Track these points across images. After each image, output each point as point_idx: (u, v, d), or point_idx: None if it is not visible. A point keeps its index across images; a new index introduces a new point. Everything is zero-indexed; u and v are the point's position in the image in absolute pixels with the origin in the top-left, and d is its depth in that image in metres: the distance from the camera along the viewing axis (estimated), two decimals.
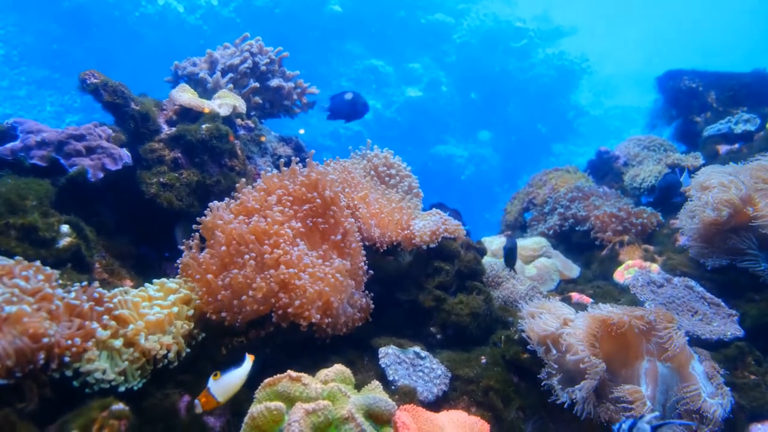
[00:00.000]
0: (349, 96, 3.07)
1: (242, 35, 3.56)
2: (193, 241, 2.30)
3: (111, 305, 1.90)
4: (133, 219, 2.70)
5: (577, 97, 18.51)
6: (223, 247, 2.15)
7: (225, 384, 1.73)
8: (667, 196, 3.04)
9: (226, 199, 2.43)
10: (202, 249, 2.29)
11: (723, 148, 4.23)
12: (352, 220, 2.52)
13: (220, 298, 2.09)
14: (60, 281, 1.87)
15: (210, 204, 2.35)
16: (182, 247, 2.30)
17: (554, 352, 2.07)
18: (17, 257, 1.81)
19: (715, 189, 2.83)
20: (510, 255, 2.79)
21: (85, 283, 1.93)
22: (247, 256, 2.11)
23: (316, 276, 2.13)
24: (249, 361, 1.79)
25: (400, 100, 16.75)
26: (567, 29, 20.25)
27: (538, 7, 21.25)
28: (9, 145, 2.41)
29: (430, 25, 17.40)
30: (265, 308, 2.10)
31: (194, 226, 2.33)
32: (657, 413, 1.85)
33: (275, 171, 2.56)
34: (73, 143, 2.48)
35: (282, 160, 2.67)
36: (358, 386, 1.83)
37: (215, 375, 1.73)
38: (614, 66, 23.84)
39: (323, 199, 2.41)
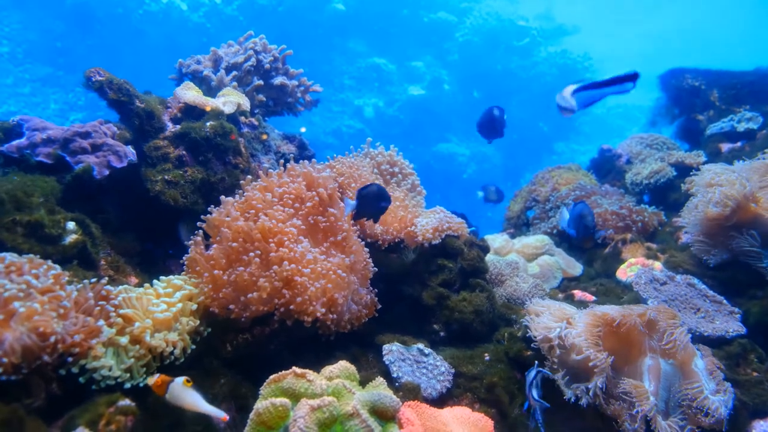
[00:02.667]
0: (496, 112, 2.83)
1: (246, 33, 3.57)
2: (199, 237, 2.31)
3: (117, 302, 1.91)
4: (137, 216, 2.71)
5: None
6: (233, 244, 2.16)
7: (184, 395, 1.64)
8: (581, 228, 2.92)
9: (237, 194, 2.43)
10: (206, 246, 2.30)
11: (726, 147, 4.23)
12: (352, 221, 2.53)
13: (222, 295, 2.10)
14: (66, 279, 1.88)
15: (222, 198, 2.36)
16: (189, 243, 2.31)
17: (557, 350, 2.09)
18: (29, 255, 1.83)
19: (718, 185, 2.84)
20: None
21: (94, 279, 1.94)
22: (252, 254, 2.12)
23: (319, 272, 2.14)
24: (221, 415, 1.65)
25: (402, 98, 16.75)
26: (569, 28, 20.22)
27: (540, 5, 21.23)
28: (15, 143, 2.43)
29: (432, 24, 17.40)
30: (269, 307, 2.11)
31: (198, 224, 2.34)
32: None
33: (274, 169, 2.57)
34: (79, 140, 2.49)
35: (288, 157, 2.68)
36: (363, 383, 1.84)
37: (188, 381, 1.65)
38: (617, 64, 23.65)
39: (321, 197, 2.42)
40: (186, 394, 1.64)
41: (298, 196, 2.41)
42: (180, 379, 1.64)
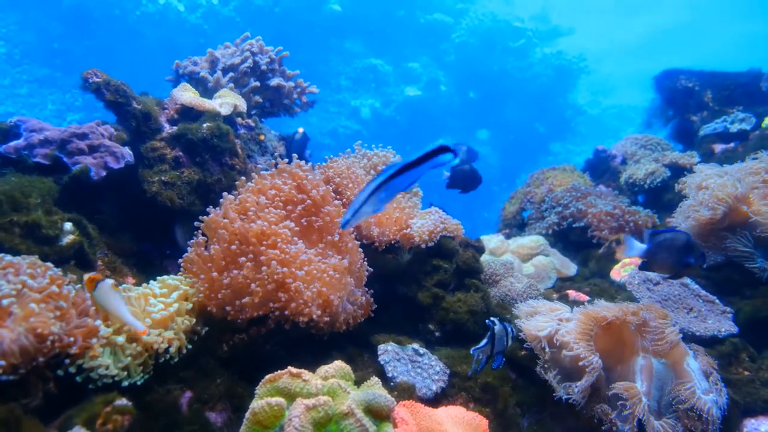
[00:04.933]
0: (466, 167, 3.02)
1: (243, 35, 3.58)
2: (201, 238, 2.32)
3: None
4: (134, 217, 2.72)
5: (575, 97, 18.55)
6: (233, 246, 2.17)
7: (109, 297, 1.72)
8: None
9: (233, 195, 2.43)
10: (205, 247, 2.31)
11: (719, 147, 4.26)
12: None
13: (221, 296, 2.11)
14: (63, 279, 1.89)
15: (224, 194, 2.36)
16: (189, 243, 2.32)
17: (549, 349, 2.10)
18: (27, 255, 1.84)
19: (710, 188, 2.87)
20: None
21: None
22: (243, 258, 2.13)
23: (313, 274, 2.15)
24: (140, 329, 1.77)
25: (399, 99, 16.78)
26: (565, 29, 20.31)
27: (536, 6, 21.29)
28: (12, 144, 2.43)
29: (428, 25, 17.43)
30: (265, 310, 2.12)
31: (196, 224, 2.35)
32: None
33: (267, 171, 2.58)
34: (76, 142, 2.50)
35: (278, 159, 2.69)
36: (358, 382, 1.85)
37: (116, 285, 1.75)
38: (612, 65, 23.85)
39: (313, 199, 2.44)
40: (111, 297, 1.72)
41: (290, 199, 2.43)
42: (109, 281, 1.73)
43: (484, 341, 2.00)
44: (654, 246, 2.41)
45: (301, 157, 3.12)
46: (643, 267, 2.51)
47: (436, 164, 1.42)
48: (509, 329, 2.06)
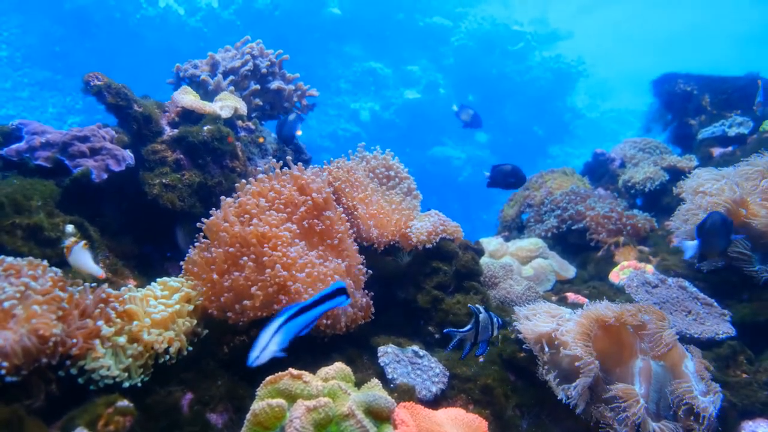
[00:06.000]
0: (507, 167, 3.17)
1: (243, 38, 3.60)
2: (200, 241, 2.33)
3: (117, 304, 1.93)
4: (136, 219, 2.73)
5: (574, 100, 18.57)
6: (231, 249, 2.18)
7: (78, 255, 1.93)
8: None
9: (233, 197, 2.44)
10: (207, 250, 2.32)
11: (717, 151, 4.28)
12: (347, 225, 2.55)
13: (224, 300, 2.12)
14: (65, 281, 1.90)
15: (222, 199, 2.38)
16: (191, 247, 2.33)
17: (548, 350, 2.11)
18: (29, 257, 1.86)
19: (709, 192, 2.88)
20: None
21: (95, 284, 1.96)
22: (245, 258, 2.15)
23: (314, 276, 2.16)
24: (98, 273, 1.95)
25: (398, 102, 16.80)
26: (563, 32, 20.34)
27: (535, 10, 21.39)
28: (14, 147, 2.45)
29: (428, 28, 17.46)
30: (267, 312, 2.13)
31: (199, 225, 2.36)
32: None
33: (271, 172, 2.59)
34: (77, 144, 2.51)
35: (279, 161, 2.70)
36: (358, 384, 1.86)
37: (86, 245, 1.96)
38: (610, 69, 23.90)
39: (315, 201, 2.45)
40: (79, 255, 1.94)
41: (290, 201, 2.44)
42: (81, 242, 1.95)
43: (468, 326, 2.03)
44: (704, 235, 2.54)
45: (290, 141, 3.14)
46: (701, 259, 2.63)
47: (333, 305, 1.63)
48: (495, 319, 2.08)
